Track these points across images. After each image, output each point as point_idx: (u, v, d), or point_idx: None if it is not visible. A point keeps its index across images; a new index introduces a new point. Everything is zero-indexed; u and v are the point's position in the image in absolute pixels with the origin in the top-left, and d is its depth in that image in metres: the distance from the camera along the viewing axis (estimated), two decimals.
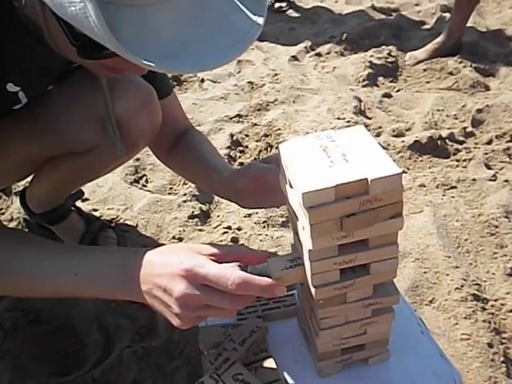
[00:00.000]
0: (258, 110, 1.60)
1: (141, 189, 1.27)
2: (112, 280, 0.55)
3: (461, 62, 1.80)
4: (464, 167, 1.33)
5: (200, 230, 1.13)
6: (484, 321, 0.90)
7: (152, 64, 0.43)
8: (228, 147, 1.41)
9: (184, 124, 0.92)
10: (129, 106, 0.79)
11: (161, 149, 0.92)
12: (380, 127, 1.50)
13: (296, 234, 0.53)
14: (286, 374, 0.59)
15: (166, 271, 0.51)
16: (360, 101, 1.60)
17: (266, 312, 0.67)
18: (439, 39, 1.86)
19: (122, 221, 1.15)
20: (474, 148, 1.40)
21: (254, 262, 0.55)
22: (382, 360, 0.61)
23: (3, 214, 1.18)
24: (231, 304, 0.50)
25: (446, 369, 0.61)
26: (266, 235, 1.10)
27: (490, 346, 0.86)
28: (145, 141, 0.85)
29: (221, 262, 0.52)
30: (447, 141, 1.41)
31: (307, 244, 0.47)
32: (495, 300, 0.95)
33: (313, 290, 0.50)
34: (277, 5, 2.44)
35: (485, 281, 1.00)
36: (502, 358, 0.85)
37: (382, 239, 0.48)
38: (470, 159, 1.35)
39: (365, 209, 0.45)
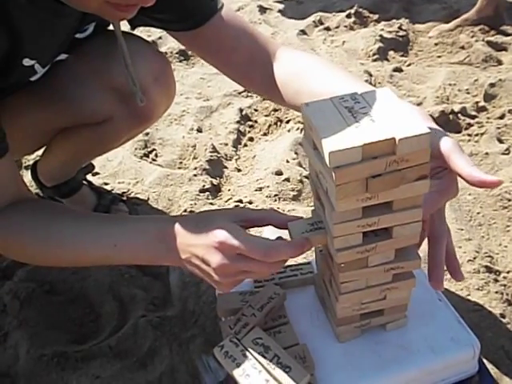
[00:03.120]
0: None
1: (151, 163, 1.26)
2: (151, 250, 0.56)
3: (473, 36, 1.77)
4: (476, 141, 1.32)
5: (211, 204, 1.13)
6: (496, 292, 0.90)
7: None
8: (237, 122, 1.40)
9: (260, 39, 0.71)
10: (143, 77, 0.77)
11: (253, 81, 0.74)
12: None
13: (318, 199, 0.53)
14: (304, 339, 0.60)
15: (202, 242, 0.52)
16: (370, 75, 1.58)
17: (283, 280, 0.67)
18: (472, 10, 1.80)
19: (133, 194, 1.15)
20: (487, 122, 1.38)
21: (284, 227, 0.55)
22: (399, 326, 0.61)
23: None
24: (269, 268, 0.51)
25: (464, 335, 0.61)
26: (278, 208, 1.10)
27: (503, 316, 0.86)
28: (159, 112, 0.84)
29: (254, 227, 0.54)
30: (459, 115, 1.39)
31: (331, 206, 0.47)
32: (507, 272, 0.95)
33: (335, 253, 0.50)
34: None
35: (497, 253, 1.00)
36: None
37: (406, 202, 0.48)
38: (482, 133, 1.34)
39: (391, 169, 0.44)
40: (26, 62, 0.64)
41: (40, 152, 1.00)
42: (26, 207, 0.62)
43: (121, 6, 0.53)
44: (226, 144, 1.33)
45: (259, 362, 0.55)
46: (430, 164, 0.45)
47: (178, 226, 0.55)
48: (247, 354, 0.56)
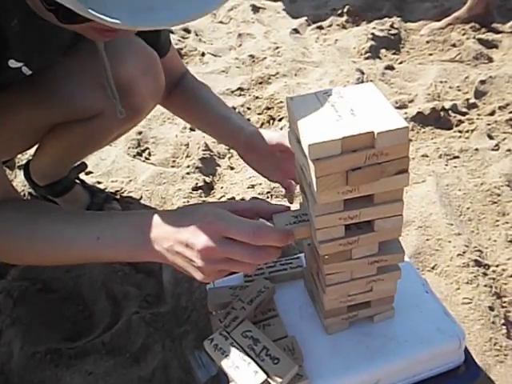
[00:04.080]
0: (260, 83, 1.59)
1: (144, 161, 1.27)
2: (133, 241, 0.56)
3: (464, 34, 1.78)
4: (467, 138, 1.33)
5: (204, 202, 1.14)
6: (485, 285, 0.91)
7: (118, 21, 0.41)
8: None
9: (180, 69, 0.95)
10: (131, 71, 0.78)
11: (169, 97, 0.95)
12: None
13: (303, 191, 0.54)
14: (293, 332, 0.61)
15: (188, 225, 0.51)
16: (362, 73, 1.59)
17: (272, 274, 0.68)
18: (463, 8, 1.81)
19: (126, 193, 1.16)
20: (477, 119, 1.39)
21: (270, 217, 0.56)
22: (387, 317, 0.62)
23: None
24: (252, 257, 0.50)
25: (451, 326, 0.62)
26: None
27: (491, 309, 0.87)
28: (148, 106, 0.85)
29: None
30: (450, 112, 1.41)
31: (313, 198, 0.48)
32: (496, 266, 0.97)
33: (318, 245, 0.51)
34: None
35: (486, 247, 1.01)
36: (502, 321, 0.86)
37: (387, 195, 0.49)
38: (472, 130, 1.35)
39: (371, 163, 0.45)
40: (12, 63, 0.65)
41: (32, 151, 1.01)
42: (12, 206, 0.62)
43: (107, 31, 0.54)
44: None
45: (248, 355, 0.56)
46: (409, 158, 0.46)
47: (162, 217, 0.54)
48: (236, 346, 0.57)
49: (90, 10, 0.41)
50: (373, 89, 0.50)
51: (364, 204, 0.48)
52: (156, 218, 0.55)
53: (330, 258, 0.52)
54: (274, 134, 0.84)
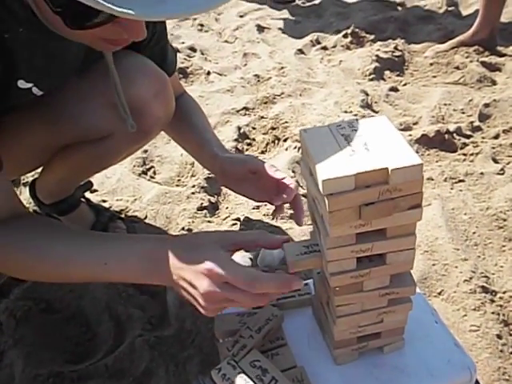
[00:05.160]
0: (265, 102, 1.60)
1: (149, 180, 1.27)
2: (139, 270, 0.57)
3: (467, 57, 1.80)
4: (471, 161, 1.34)
5: (209, 222, 1.13)
6: (493, 312, 0.90)
7: (131, 12, 0.41)
8: (235, 140, 1.41)
9: (178, 90, 0.97)
10: (142, 93, 0.79)
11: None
12: None
13: (315, 222, 0.54)
14: (301, 362, 0.60)
15: (191, 267, 0.53)
16: (367, 94, 1.60)
17: (281, 301, 0.68)
18: (468, 32, 1.84)
19: (131, 212, 1.15)
20: (482, 142, 1.40)
21: (274, 248, 0.57)
22: (397, 348, 0.61)
23: None
24: (252, 301, 0.52)
25: (461, 357, 0.61)
26: (276, 227, 1.10)
27: (499, 337, 0.87)
28: (158, 127, 0.86)
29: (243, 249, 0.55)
30: (454, 135, 1.41)
31: (325, 231, 0.48)
32: (504, 292, 0.96)
33: (329, 276, 0.51)
34: None
35: (493, 273, 1.00)
36: (510, 350, 0.85)
37: (399, 229, 0.48)
38: (477, 153, 1.35)
39: (384, 198, 0.45)
40: (21, 83, 0.65)
41: (38, 169, 1.01)
42: (20, 224, 0.62)
43: (114, 40, 0.54)
44: None
45: None
46: (422, 193, 0.46)
47: (167, 248, 0.55)
48: (245, 376, 0.56)
49: (101, 1, 0.41)
50: (386, 122, 0.50)
51: (376, 237, 0.48)
52: (161, 248, 0.56)
53: (340, 290, 0.52)
54: (245, 158, 0.86)
